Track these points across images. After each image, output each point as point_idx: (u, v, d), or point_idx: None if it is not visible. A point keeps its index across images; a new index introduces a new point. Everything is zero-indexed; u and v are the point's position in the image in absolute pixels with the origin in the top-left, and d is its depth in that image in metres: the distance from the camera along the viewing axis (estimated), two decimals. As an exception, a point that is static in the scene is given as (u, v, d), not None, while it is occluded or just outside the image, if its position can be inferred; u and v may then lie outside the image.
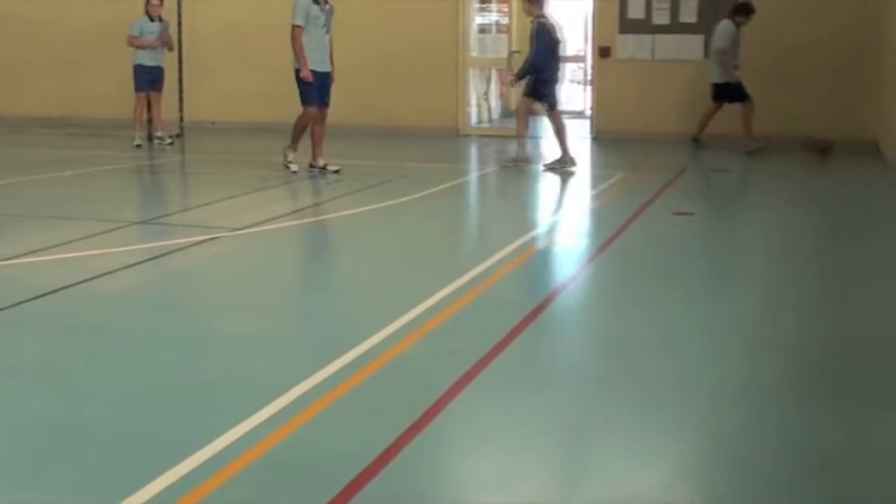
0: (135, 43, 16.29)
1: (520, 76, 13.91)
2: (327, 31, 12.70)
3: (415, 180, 12.56)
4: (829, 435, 4.68)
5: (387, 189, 11.92)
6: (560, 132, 13.80)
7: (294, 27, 12.38)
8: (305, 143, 12.94)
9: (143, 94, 16.49)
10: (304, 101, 12.67)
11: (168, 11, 16.99)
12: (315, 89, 12.59)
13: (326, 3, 12.60)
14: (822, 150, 13.39)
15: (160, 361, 5.64)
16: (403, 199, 11.24)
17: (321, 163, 12.95)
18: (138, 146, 16.21)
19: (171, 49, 16.54)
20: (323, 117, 12.92)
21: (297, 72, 12.56)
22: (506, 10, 20.85)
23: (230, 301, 7.20)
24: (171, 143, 16.51)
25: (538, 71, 13.66)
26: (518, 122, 14.21)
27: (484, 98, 20.20)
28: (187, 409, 4.95)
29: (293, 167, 12.84)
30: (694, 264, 8.71)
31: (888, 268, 8.26)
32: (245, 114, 18.98)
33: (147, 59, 16.37)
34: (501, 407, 5.01)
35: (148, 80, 16.43)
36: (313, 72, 12.50)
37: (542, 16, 13.65)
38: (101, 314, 6.81)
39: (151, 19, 16.38)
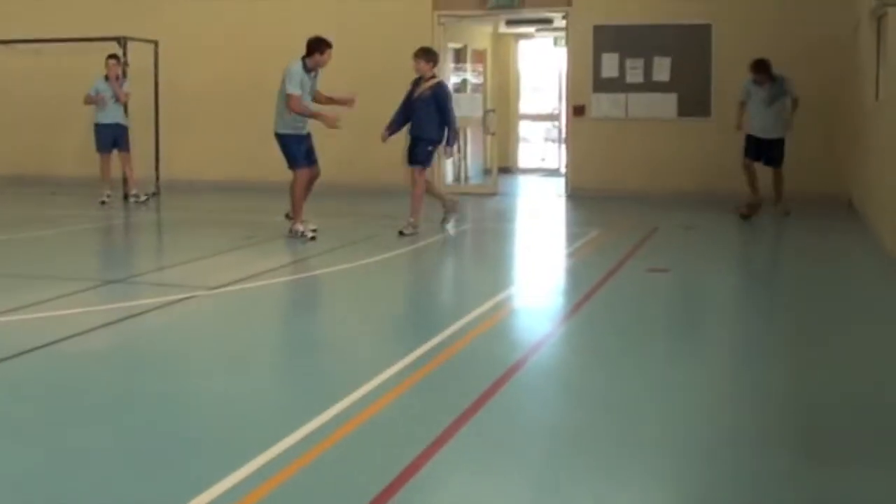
0: (87, 101, 16.48)
1: (451, 142, 13.56)
2: (311, 98, 12.80)
3: (390, 238, 12.59)
4: (800, 494, 4.71)
5: (362, 247, 11.96)
6: (430, 191, 13.80)
7: (290, 96, 12.30)
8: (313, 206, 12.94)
9: (105, 154, 16.58)
10: (294, 164, 12.56)
11: (145, 70, 17.10)
12: (302, 151, 12.59)
13: (314, 72, 12.69)
14: (744, 214, 13.30)
15: (135, 421, 5.62)
16: (379, 257, 11.28)
17: (301, 229, 12.80)
18: (103, 203, 16.26)
19: (119, 101, 16.59)
20: (314, 177, 12.88)
21: (280, 137, 12.54)
22: (480, 69, 21.01)
23: (206, 361, 7.19)
24: (145, 200, 16.56)
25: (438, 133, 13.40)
26: (433, 193, 14.02)
27: (460, 156, 20.28)
28: (160, 470, 4.92)
29: (309, 233, 12.43)
30: (669, 321, 8.78)
31: (859, 325, 8.33)
32: (222, 172, 19.03)
33: (102, 117, 16.57)
34: (477, 468, 5.01)
35: (107, 138, 16.54)
36: (296, 135, 12.54)
37: (435, 75, 13.46)
38: (77, 374, 6.79)
39: (107, 78, 16.52)
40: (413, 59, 13.21)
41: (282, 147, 12.54)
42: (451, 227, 13.40)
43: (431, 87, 12.99)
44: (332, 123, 12.53)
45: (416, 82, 13.13)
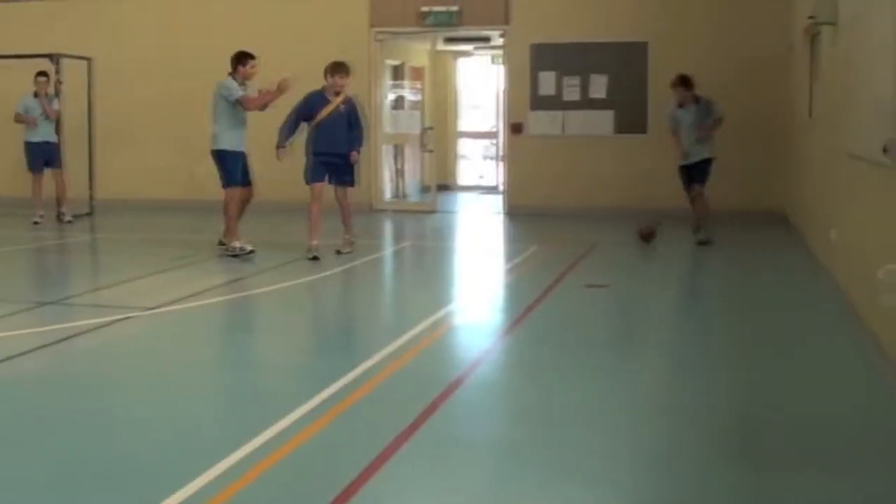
0: (17, 120, 16.35)
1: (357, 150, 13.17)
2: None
3: (328, 257, 12.54)
4: (739, 502, 4.75)
5: (299, 266, 11.90)
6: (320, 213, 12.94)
7: (244, 99, 12.45)
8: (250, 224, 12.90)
9: (37, 173, 16.46)
10: (230, 181, 12.54)
11: (78, 89, 16.97)
12: (239, 169, 12.58)
13: (245, 84, 12.68)
14: (644, 236, 13.26)
15: (67, 445, 5.56)
16: (317, 275, 11.24)
17: (237, 245, 12.70)
18: (35, 223, 16.12)
19: (49, 118, 16.47)
20: (249, 197, 12.85)
21: (219, 153, 12.49)
22: (419, 86, 21.04)
23: (142, 382, 7.12)
24: (69, 221, 16.38)
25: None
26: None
27: (398, 173, 20.29)
28: (92, 494, 4.88)
29: (248, 247, 12.52)
30: (607, 335, 8.83)
31: (791, 337, 8.41)
32: (157, 191, 18.89)
33: (33, 135, 16.44)
34: (419, 485, 5.02)
35: (38, 157, 16.40)
36: (235, 152, 12.52)
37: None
38: (9, 397, 6.71)
39: (36, 95, 16.39)
40: (336, 74, 12.73)
41: (220, 164, 12.48)
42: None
43: (345, 102, 12.76)
44: (286, 84, 12.47)
45: (320, 97, 12.69)
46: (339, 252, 12.63)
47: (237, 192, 12.54)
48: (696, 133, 13.48)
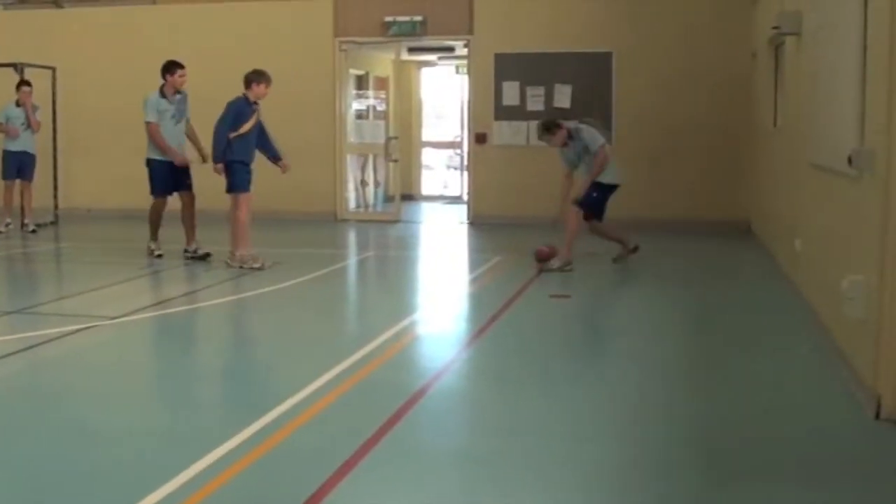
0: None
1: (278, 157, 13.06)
2: (178, 122, 12.95)
3: (292, 266, 12.51)
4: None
5: (264, 275, 11.86)
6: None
7: (147, 124, 12.70)
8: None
9: (8, 182, 16.34)
10: (154, 191, 12.98)
11: (42, 96, 16.86)
12: (164, 179, 12.85)
13: (176, 94, 12.84)
14: (542, 259, 13.05)
15: (33, 454, 5.52)
16: (281, 285, 11.19)
17: (193, 247, 12.98)
18: (0, 232, 15.99)
19: (33, 129, 16.39)
20: (191, 201, 12.96)
21: (148, 162, 12.85)
22: (383, 96, 21.03)
23: (109, 391, 7.08)
24: (33, 231, 16.25)
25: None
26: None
27: (362, 183, 20.27)
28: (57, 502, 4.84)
29: (157, 251, 12.94)
30: (570, 346, 8.84)
31: (756, 347, 8.43)
32: (122, 200, 18.77)
33: (11, 144, 16.28)
34: (383, 494, 5.00)
35: (13, 166, 16.30)
36: (166, 162, 12.75)
37: None
38: (-27, 406, 6.66)
39: (18, 104, 16.28)
40: (263, 83, 12.47)
41: (149, 172, 12.89)
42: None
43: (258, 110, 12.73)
44: (181, 162, 12.83)
45: (247, 106, 12.40)
46: (228, 264, 12.46)
47: (159, 202, 12.94)
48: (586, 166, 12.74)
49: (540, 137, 12.90)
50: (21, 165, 16.40)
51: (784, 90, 12.32)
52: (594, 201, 12.47)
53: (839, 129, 7.53)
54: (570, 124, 12.76)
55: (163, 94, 12.79)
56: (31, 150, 16.52)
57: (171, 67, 12.76)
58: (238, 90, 12.35)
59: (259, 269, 12.11)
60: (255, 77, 12.38)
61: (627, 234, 13.07)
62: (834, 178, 7.78)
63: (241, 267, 12.16)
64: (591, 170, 12.52)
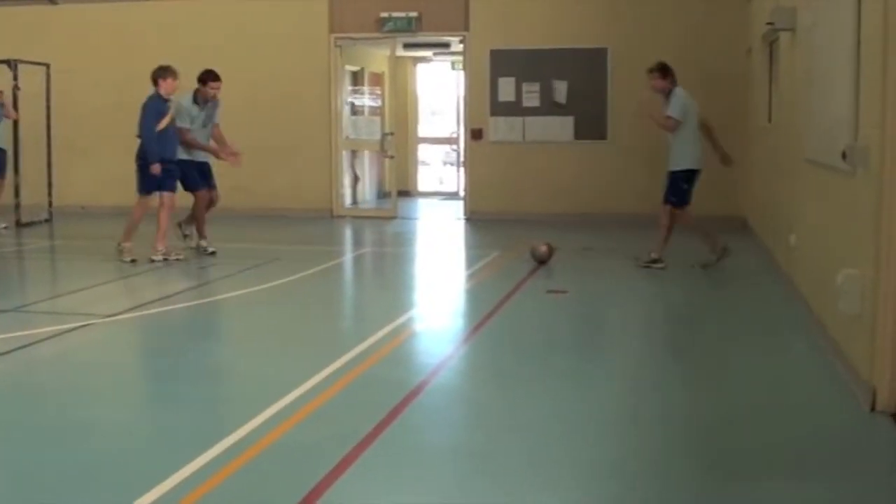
0: None
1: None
2: (205, 125, 13.09)
3: (288, 263, 12.53)
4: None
5: (261, 272, 11.87)
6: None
7: (180, 129, 12.71)
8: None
9: None
10: (189, 188, 13.05)
11: (36, 93, 16.83)
12: (194, 177, 12.95)
13: (207, 101, 12.96)
14: (540, 259, 12.95)
15: (29, 452, 5.53)
16: (278, 281, 11.20)
17: (205, 244, 13.14)
18: None
19: (9, 117, 16.30)
20: (211, 200, 13.25)
21: (180, 162, 12.74)
22: (378, 91, 21.03)
23: (104, 390, 7.09)
24: (5, 228, 16.15)
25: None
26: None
27: (357, 179, 20.26)
28: (56, 499, 4.84)
29: (128, 258, 12.48)
30: (568, 342, 8.84)
31: (752, 341, 8.45)
32: (117, 197, 18.74)
33: None
34: (381, 491, 5.01)
35: None
36: (196, 161, 12.96)
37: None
38: (-29, 404, 6.66)
39: None
40: (169, 77, 12.34)
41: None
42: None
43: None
44: (227, 154, 13.14)
45: (164, 104, 12.39)
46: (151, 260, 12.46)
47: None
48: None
49: (648, 72, 12.69)
50: None
51: (779, 86, 12.33)
52: (683, 192, 12.37)
53: (833, 125, 7.54)
54: (678, 87, 12.46)
55: (195, 101, 12.89)
56: (4, 147, 16.41)
57: (205, 77, 12.90)
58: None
59: (131, 262, 12.24)
60: (161, 73, 12.36)
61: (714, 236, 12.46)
62: (828, 174, 7.80)
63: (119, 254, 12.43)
64: (676, 136, 12.33)
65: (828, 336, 7.68)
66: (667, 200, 12.38)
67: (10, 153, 16.64)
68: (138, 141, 12.40)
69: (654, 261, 12.12)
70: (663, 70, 12.41)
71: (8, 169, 16.58)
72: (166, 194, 12.49)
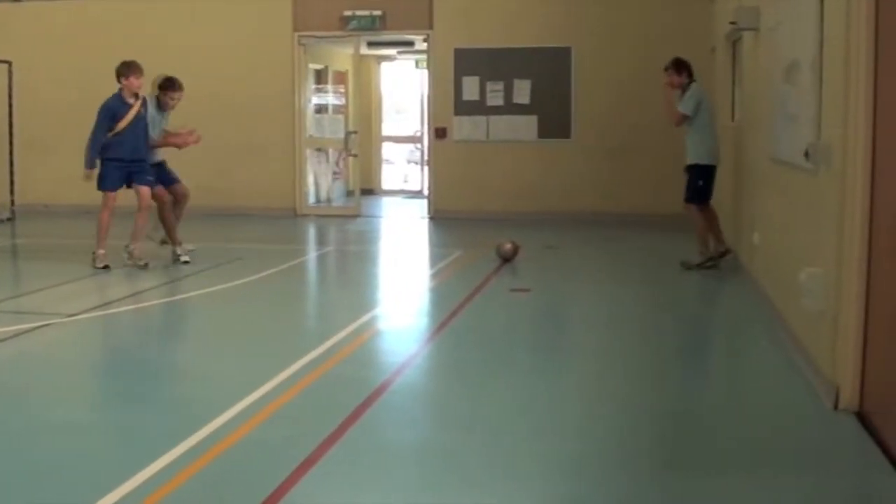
0: None
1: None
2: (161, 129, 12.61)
3: (251, 262, 12.48)
4: (669, 505, 4.79)
5: (224, 271, 11.82)
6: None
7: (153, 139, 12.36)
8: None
9: None
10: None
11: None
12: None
13: (165, 111, 12.56)
14: (505, 257, 12.90)
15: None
16: (240, 281, 11.16)
17: (177, 249, 12.56)
18: None
19: None
20: (181, 195, 12.79)
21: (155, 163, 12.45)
22: (342, 90, 20.99)
23: (66, 389, 7.04)
24: None
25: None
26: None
27: (321, 177, 20.21)
28: (16, 501, 4.80)
29: (101, 265, 11.99)
30: (531, 340, 8.86)
31: (715, 339, 8.48)
32: (80, 196, 18.61)
33: None
34: (345, 490, 4.99)
35: None
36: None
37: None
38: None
39: None
40: (132, 75, 11.88)
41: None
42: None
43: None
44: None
45: (122, 103, 11.90)
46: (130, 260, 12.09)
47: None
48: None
49: (665, 68, 12.59)
50: None
51: (742, 85, 12.38)
52: (702, 189, 12.11)
53: (796, 124, 7.58)
54: (694, 83, 12.26)
55: (158, 106, 12.45)
56: None
57: (166, 85, 12.43)
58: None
59: (104, 268, 11.78)
60: (124, 70, 11.93)
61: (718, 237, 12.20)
62: (791, 172, 7.83)
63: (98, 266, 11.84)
64: (690, 131, 12.15)
65: (791, 334, 7.71)
66: (687, 199, 12.18)
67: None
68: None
69: (709, 259, 11.95)
70: (678, 66, 12.33)
71: None
72: (109, 195, 12.06)
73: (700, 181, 12.02)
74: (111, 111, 11.87)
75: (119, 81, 11.93)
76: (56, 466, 5.27)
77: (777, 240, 8.81)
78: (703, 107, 12.04)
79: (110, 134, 11.82)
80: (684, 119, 12.01)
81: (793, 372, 7.18)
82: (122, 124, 11.84)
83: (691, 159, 12.09)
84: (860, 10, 5.94)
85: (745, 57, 11.96)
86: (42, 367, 7.73)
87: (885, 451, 5.37)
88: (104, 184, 12.03)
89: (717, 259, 11.90)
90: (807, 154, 6.79)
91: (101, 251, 11.94)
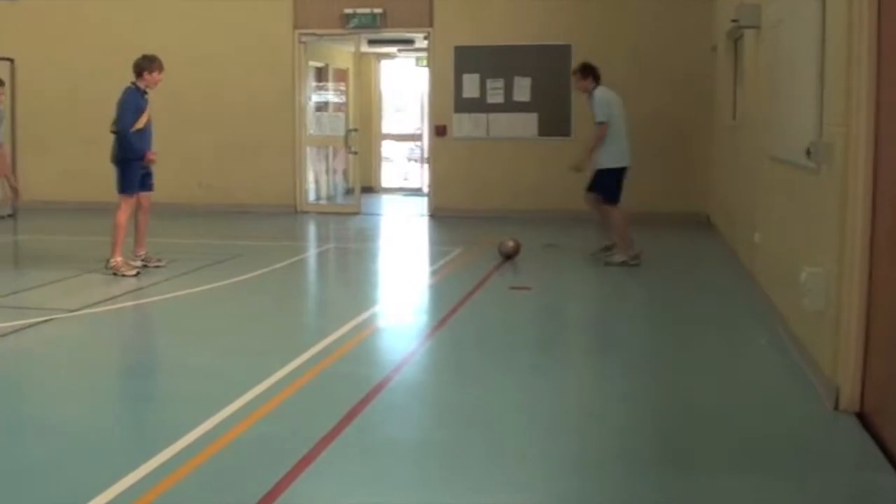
0: None
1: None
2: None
3: (251, 259, 12.47)
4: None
5: (224, 268, 11.80)
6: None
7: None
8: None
9: None
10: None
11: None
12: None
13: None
14: (507, 254, 12.87)
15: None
16: (240, 277, 11.15)
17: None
18: None
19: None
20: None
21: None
22: (343, 88, 20.97)
23: (64, 385, 7.03)
24: None
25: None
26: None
27: (322, 175, 20.19)
28: (10, 497, 4.79)
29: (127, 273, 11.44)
30: (530, 337, 8.85)
31: (715, 339, 8.46)
32: (81, 193, 18.64)
33: None
34: (343, 487, 4.98)
35: None
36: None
37: None
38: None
39: None
40: (155, 69, 11.51)
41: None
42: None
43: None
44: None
45: (142, 97, 11.53)
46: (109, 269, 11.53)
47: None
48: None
49: (572, 73, 12.97)
50: None
51: (743, 83, 12.37)
52: (608, 188, 12.27)
53: (798, 122, 7.56)
54: (599, 87, 12.46)
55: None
56: None
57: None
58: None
59: (134, 275, 11.29)
60: (146, 64, 11.47)
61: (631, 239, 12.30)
62: (793, 171, 7.81)
63: (114, 274, 11.30)
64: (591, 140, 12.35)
65: (791, 334, 7.70)
66: (605, 201, 12.34)
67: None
68: (112, 137, 11.52)
69: (635, 256, 12.15)
70: (584, 70, 12.55)
71: None
72: (144, 194, 11.67)
73: (613, 183, 12.23)
74: (135, 105, 11.44)
75: (140, 76, 11.47)
76: (49, 464, 5.26)
77: (778, 239, 8.79)
78: (613, 111, 12.23)
79: (131, 130, 11.40)
80: (604, 128, 12.16)
81: (793, 372, 7.16)
82: (143, 120, 11.48)
83: (603, 164, 12.25)
84: (862, 8, 5.92)
85: (746, 55, 11.95)
86: (42, 363, 7.74)
87: (886, 451, 5.36)
88: (128, 186, 11.51)
89: (637, 258, 12.14)
90: (808, 152, 6.77)
91: (120, 258, 11.42)
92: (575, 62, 17.10)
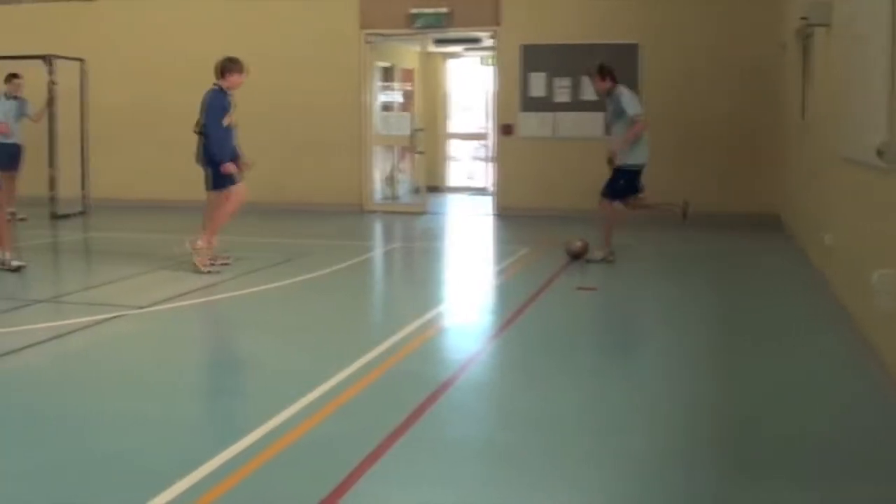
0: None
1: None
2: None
3: (318, 258, 12.53)
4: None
5: (291, 267, 11.87)
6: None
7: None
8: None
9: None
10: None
11: (71, 88, 16.92)
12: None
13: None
14: (575, 255, 12.77)
15: (59, 442, 5.54)
16: (308, 276, 11.20)
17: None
18: (22, 220, 16.00)
19: (35, 120, 16.41)
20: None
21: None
22: (409, 88, 21.01)
23: (134, 380, 7.09)
24: (22, 219, 16.07)
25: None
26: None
27: (389, 174, 20.25)
28: (82, 491, 4.85)
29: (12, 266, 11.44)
30: (596, 338, 8.82)
31: (785, 342, 8.38)
32: (150, 191, 18.86)
33: (6, 137, 16.02)
34: (409, 486, 4.99)
35: (6, 158, 16.04)
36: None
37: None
38: (1, 394, 6.68)
39: (8, 98, 16.18)
40: (236, 71, 11.50)
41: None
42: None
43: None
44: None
45: (227, 98, 11.53)
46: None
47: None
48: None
49: (589, 74, 13.02)
50: (9, 156, 16.11)
51: (813, 82, 12.24)
52: (621, 189, 12.36)
53: (869, 122, 7.47)
54: (619, 85, 12.63)
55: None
56: (20, 143, 16.35)
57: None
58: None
59: (206, 272, 11.34)
60: (230, 65, 11.48)
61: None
62: (864, 171, 7.72)
63: (191, 251, 11.51)
64: (625, 135, 12.36)
65: (862, 335, 7.61)
66: (603, 195, 12.62)
67: (44, 147, 16.71)
68: (197, 138, 11.51)
69: (610, 253, 12.42)
70: (602, 71, 12.67)
71: (22, 163, 16.45)
72: (234, 187, 11.57)
73: (623, 182, 12.37)
74: (220, 105, 11.43)
75: (223, 77, 11.46)
76: (121, 457, 5.32)
77: (849, 240, 8.70)
78: (635, 104, 12.34)
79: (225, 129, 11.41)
80: (642, 116, 12.32)
81: (863, 373, 7.08)
82: (228, 120, 11.47)
83: (627, 160, 12.31)
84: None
85: (816, 53, 11.82)
86: (112, 359, 7.83)
87: (958, 454, 5.29)
88: (227, 179, 11.50)
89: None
90: (879, 153, 6.69)
91: (207, 245, 11.56)
92: (642, 60, 17.14)
